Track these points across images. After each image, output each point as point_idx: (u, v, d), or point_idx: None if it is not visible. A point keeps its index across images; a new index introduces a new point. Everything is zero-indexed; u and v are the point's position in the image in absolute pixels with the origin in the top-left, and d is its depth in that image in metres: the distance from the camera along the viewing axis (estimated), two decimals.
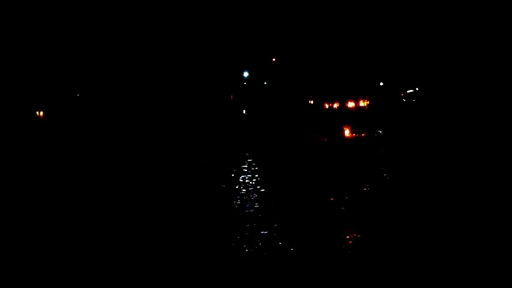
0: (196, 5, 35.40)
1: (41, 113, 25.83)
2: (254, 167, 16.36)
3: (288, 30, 37.96)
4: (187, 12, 35.12)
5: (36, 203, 11.03)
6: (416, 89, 37.80)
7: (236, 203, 10.86)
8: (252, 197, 11.36)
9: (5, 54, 25.49)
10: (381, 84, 39.74)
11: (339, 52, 38.45)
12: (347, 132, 29.57)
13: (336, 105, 40.87)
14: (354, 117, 35.52)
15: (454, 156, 18.11)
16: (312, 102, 41.81)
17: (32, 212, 10.23)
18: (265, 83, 42.95)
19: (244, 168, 15.72)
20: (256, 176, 14.55)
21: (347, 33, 37.54)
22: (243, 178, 14.03)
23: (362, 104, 39.28)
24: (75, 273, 6.69)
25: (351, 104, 39.79)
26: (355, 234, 8.31)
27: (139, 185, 13.26)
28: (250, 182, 13.39)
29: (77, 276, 6.58)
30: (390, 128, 31.62)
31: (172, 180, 14.16)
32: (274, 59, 41.65)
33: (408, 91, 38.30)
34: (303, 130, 30.37)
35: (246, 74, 42.33)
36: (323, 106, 41.48)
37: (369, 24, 36.78)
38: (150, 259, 7.20)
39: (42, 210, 10.37)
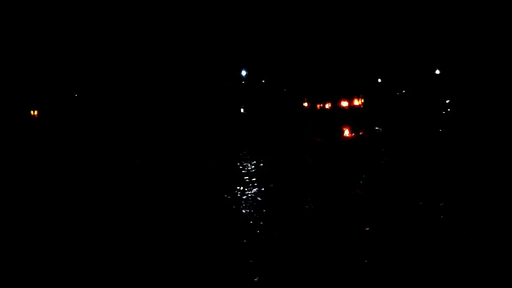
0: (194, 3, 35.27)
1: (36, 112, 25.67)
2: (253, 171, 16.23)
3: (284, 28, 37.84)
4: (184, 10, 34.98)
5: (32, 204, 10.89)
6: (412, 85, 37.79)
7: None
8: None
9: (1, 54, 25.34)
10: (378, 81, 39.68)
11: (336, 51, 38.35)
12: (346, 132, 29.41)
13: (332, 105, 40.72)
14: (352, 116, 35.40)
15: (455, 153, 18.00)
16: (308, 101, 41.65)
17: (28, 213, 10.10)
18: (263, 81, 42.77)
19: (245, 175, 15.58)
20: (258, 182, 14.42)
21: (342, 32, 37.47)
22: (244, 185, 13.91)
23: (357, 102, 39.14)
24: (75, 273, 6.61)
25: (347, 103, 39.63)
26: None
27: (142, 185, 13.13)
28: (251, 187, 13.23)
29: (76, 276, 6.51)
30: (389, 125, 31.53)
31: (176, 179, 14.07)
32: (272, 57, 41.51)
33: (404, 88, 38.30)
34: (301, 130, 30.25)
35: (244, 73, 42.17)
36: (320, 105, 41.33)
37: (363, 24, 36.72)
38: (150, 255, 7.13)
39: (39, 211, 10.24)
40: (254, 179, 13.61)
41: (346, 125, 31.32)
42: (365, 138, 26.52)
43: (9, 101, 23.90)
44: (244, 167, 16.19)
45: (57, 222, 9.32)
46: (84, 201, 11.00)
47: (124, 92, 31.26)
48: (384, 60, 37.79)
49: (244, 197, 11.18)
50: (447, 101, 36.03)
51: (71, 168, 15.81)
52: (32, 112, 25.30)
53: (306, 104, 41.36)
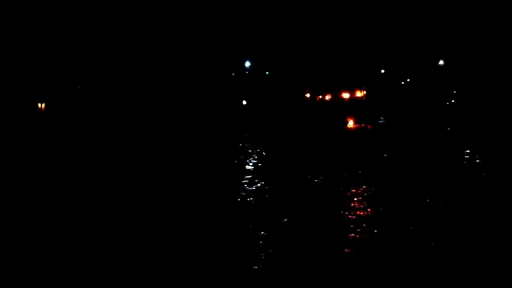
0: None
1: (43, 105, 25.86)
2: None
3: (288, 19, 37.80)
4: (189, 2, 34.95)
5: (36, 200, 11.01)
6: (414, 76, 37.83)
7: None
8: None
9: (8, 49, 25.48)
10: (382, 72, 39.68)
11: (339, 43, 38.35)
12: (350, 123, 29.58)
13: (337, 96, 40.81)
14: (356, 108, 35.52)
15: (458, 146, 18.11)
16: (312, 93, 41.67)
17: (31, 209, 10.19)
18: (266, 72, 42.71)
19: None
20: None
21: (346, 25, 37.47)
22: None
23: (360, 94, 39.22)
24: (75, 273, 6.68)
25: (351, 95, 39.71)
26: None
27: (147, 181, 13.21)
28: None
29: (76, 276, 6.58)
30: (392, 117, 31.63)
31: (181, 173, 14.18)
32: (275, 49, 41.46)
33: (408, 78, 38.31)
34: (304, 122, 30.34)
35: (247, 64, 42.11)
36: (324, 96, 41.40)
37: (367, 15, 36.70)
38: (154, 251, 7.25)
39: (42, 207, 10.34)
40: (257, 170, 13.79)
41: (350, 116, 31.45)
42: (368, 129, 26.69)
43: (17, 94, 24.10)
44: (247, 157, 16.38)
45: (59, 219, 9.39)
46: (88, 199, 11.06)
47: (127, 85, 31.36)
48: (388, 51, 37.78)
49: (249, 188, 11.41)
50: (452, 92, 36.05)
51: (75, 164, 15.87)
52: (39, 105, 25.49)
53: (308, 95, 41.43)
